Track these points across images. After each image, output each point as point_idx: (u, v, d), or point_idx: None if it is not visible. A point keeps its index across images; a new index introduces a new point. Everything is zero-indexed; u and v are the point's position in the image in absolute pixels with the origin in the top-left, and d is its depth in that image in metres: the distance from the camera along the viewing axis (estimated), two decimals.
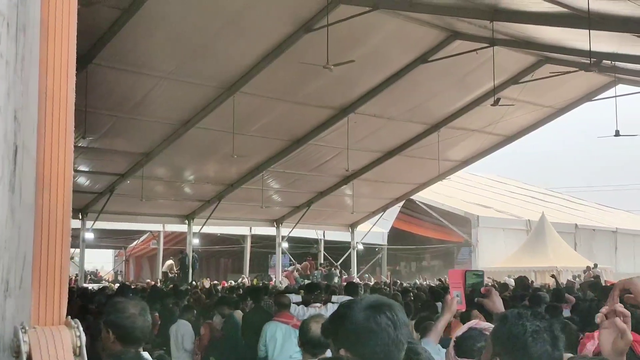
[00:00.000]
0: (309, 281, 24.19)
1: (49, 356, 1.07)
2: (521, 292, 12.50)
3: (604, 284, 16.82)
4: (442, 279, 26.98)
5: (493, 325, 3.33)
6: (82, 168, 19.39)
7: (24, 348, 1.08)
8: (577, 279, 25.41)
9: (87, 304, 10.62)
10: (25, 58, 1.09)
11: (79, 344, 1.15)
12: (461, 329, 3.36)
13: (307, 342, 4.66)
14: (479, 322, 3.38)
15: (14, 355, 1.13)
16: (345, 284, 16.38)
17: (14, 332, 1.09)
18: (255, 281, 26.35)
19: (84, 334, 1.16)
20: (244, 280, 27.21)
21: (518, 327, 2.19)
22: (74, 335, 1.14)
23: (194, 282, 23.18)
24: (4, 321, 1.10)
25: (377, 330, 2.25)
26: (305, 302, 8.76)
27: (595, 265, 27.55)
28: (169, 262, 30.19)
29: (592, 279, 22.18)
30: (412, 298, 12.29)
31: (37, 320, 1.12)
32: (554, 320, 2.25)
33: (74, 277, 26.19)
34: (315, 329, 4.41)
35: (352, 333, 2.26)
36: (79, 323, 1.16)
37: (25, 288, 1.12)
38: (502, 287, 16.36)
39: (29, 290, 1.11)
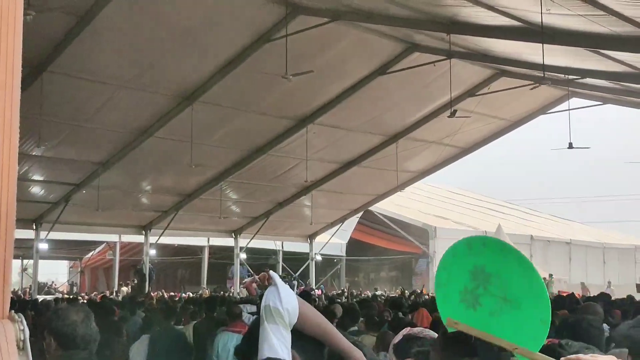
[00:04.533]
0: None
1: None
2: None
3: (556, 293, 17.27)
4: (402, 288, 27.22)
5: (425, 329, 3.46)
6: (36, 177, 19.06)
7: None
8: None
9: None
10: None
11: (22, 338, 1.13)
12: (397, 337, 3.47)
13: None
14: (410, 329, 3.49)
15: None
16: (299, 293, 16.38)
17: None
18: (206, 292, 26.18)
19: (27, 328, 1.15)
20: (204, 291, 27.01)
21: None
22: (17, 329, 1.13)
23: (151, 294, 22.92)
24: None
25: None
26: None
27: (551, 276, 28.00)
28: (125, 288, 29.51)
29: None
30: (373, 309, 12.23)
31: None
32: None
33: (28, 289, 25.69)
34: None
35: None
36: (23, 317, 1.15)
37: None
38: None
39: None
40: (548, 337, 2.46)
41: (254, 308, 8.93)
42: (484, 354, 2.14)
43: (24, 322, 1.15)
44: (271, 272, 2.23)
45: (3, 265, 1.09)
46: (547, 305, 1.94)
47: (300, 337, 2.01)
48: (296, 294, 2.09)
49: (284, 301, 1.97)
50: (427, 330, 3.45)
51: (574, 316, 4.44)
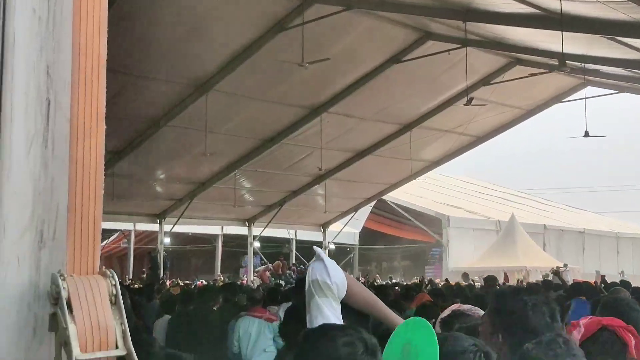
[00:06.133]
0: (282, 281, 24.31)
1: (87, 303, 1.09)
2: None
3: (571, 282, 17.27)
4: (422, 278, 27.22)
5: (474, 307, 3.47)
6: None
7: (64, 294, 1.10)
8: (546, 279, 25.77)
9: None
10: (57, 15, 1.11)
11: (114, 293, 1.17)
12: (445, 312, 3.49)
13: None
14: (460, 305, 3.52)
15: (52, 302, 1.14)
16: None
17: (52, 280, 1.11)
18: (221, 280, 26.29)
19: (119, 284, 1.18)
20: (220, 279, 27.15)
21: (518, 302, 2.24)
22: (109, 284, 1.16)
23: (167, 282, 23.02)
24: (39, 271, 1.12)
25: None
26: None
27: (565, 266, 27.88)
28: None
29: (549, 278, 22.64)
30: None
31: (72, 270, 1.13)
32: (549, 294, 2.31)
33: None
34: None
35: None
36: (114, 272, 1.18)
37: (58, 239, 1.13)
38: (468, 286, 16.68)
39: (63, 241, 1.13)
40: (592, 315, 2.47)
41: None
42: (536, 318, 2.17)
43: (116, 277, 1.18)
44: (315, 247, 2.27)
45: (94, 222, 1.13)
46: None
47: (345, 308, 2.05)
48: None
49: (332, 275, 2.01)
50: (476, 308, 3.46)
51: (612, 296, 4.45)
